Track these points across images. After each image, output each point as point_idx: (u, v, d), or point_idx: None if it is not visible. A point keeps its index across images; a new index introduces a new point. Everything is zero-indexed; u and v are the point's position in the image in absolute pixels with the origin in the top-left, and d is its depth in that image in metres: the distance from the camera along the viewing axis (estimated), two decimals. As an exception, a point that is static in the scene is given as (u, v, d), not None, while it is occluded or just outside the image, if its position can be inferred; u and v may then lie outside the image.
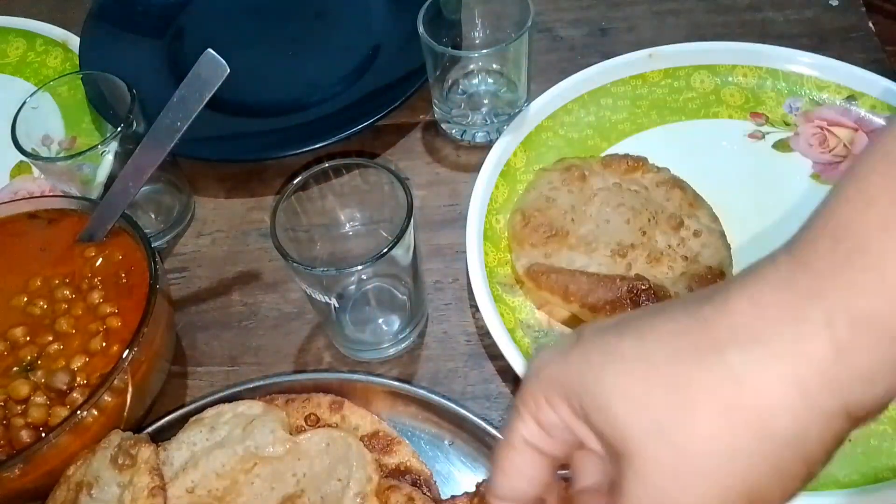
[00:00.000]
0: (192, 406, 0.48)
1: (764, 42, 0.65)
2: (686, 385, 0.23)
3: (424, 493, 0.44)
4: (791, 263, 0.23)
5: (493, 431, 0.45)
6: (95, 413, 0.44)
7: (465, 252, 0.54)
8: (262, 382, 0.49)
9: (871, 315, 0.21)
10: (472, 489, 0.43)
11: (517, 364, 0.48)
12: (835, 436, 0.22)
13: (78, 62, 0.71)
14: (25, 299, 0.50)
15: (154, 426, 0.48)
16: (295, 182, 0.47)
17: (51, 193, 0.63)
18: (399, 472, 0.45)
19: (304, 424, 0.47)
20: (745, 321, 0.23)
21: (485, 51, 0.60)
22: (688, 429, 0.22)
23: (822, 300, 0.22)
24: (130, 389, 0.46)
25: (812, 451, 0.22)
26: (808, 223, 0.24)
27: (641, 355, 0.24)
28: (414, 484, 0.44)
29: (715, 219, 0.55)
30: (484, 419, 0.46)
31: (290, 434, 0.45)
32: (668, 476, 0.23)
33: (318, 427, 0.46)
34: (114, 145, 0.55)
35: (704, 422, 0.22)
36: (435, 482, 0.45)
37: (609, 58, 0.65)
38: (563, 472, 0.30)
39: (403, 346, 0.53)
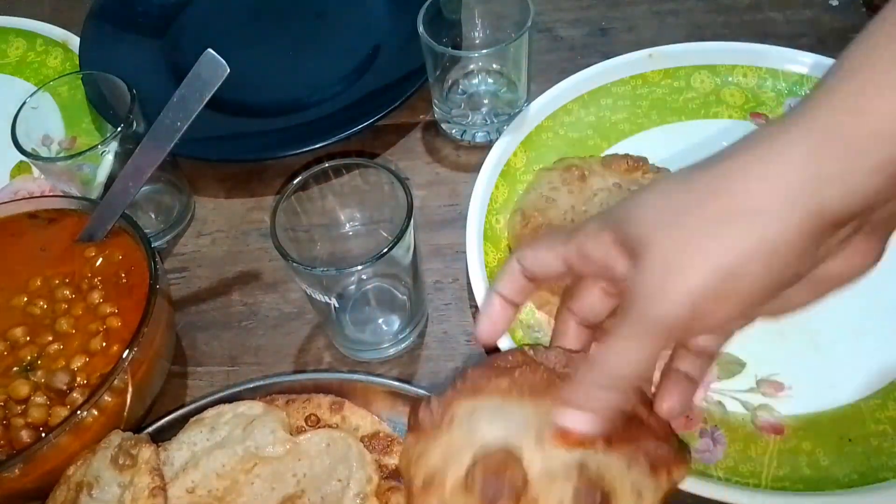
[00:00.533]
0: (192, 406, 0.48)
1: (764, 42, 0.65)
2: (698, 190, 0.27)
3: None
4: (777, 119, 0.27)
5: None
6: (95, 413, 0.44)
7: (465, 252, 0.54)
8: (262, 382, 0.49)
9: (842, 128, 0.25)
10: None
11: (517, 364, 0.48)
12: (813, 236, 0.26)
13: (78, 62, 0.71)
14: (25, 299, 0.50)
15: (154, 426, 0.48)
16: (295, 182, 0.47)
17: (51, 193, 0.63)
18: (399, 473, 0.45)
19: (304, 425, 0.47)
20: (737, 154, 0.27)
21: (485, 51, 0.60)
22: (698, 214, 0.27)
23: (802, 119, 0.26)
24: (130, 389, 0.46)
25: (791, 243, 0.26)
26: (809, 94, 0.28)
27: (660, 191, 0.29)
28: None
29: (715, 219, 0.55)
30: (484, 419, 0.46)
31: (291, 434, 0.45)
32: (675, 254, 0.27)
33: (319, 427, 0.46)
34: (114, 145, 0.55)
35: (710, 209, 0.27)
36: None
37: (609, 58, 0.65)
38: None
39: (403, 346, 0.54)
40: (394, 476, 0.45)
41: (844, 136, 0.25)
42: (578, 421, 0.30)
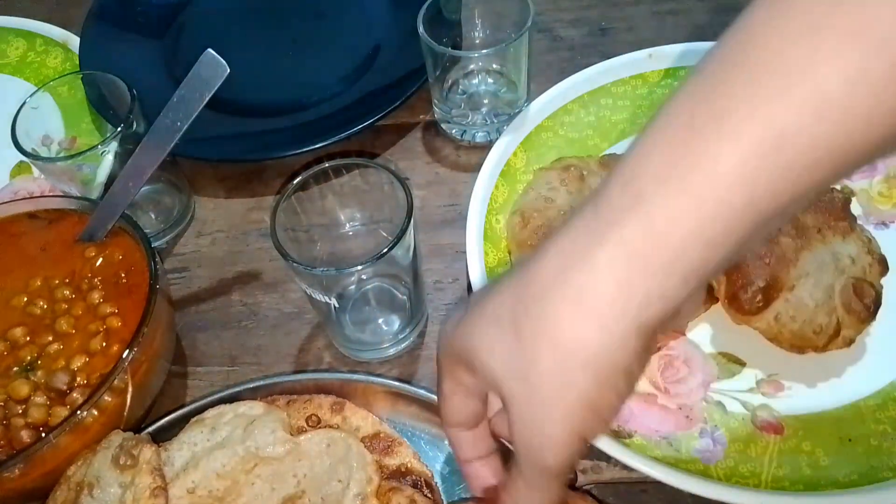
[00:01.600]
0: (192, 406, 0.48)
1: (764, 42, 0.65)
2: (525, 335, 0.28)
3: (426, 496, 0.44)
4: (591, 212, 0.27)
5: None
6: (95, 413, 0.44)
7: (465, 252, 0.54)
8: (262, 382, 0.49)
9: (642, 254, 0.25)
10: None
11: (517, 364, 0.48)
12: (635, 350, 0.27)
13: (78, 62, 0.71)
14: (25, 299, 0.50)
15: (154, 426, 0.48)
16: (295, 182, 0.47)
17: (51, 193, 0.63)
18: (400, 474, 0.45)
19: (305, 425, 0.47)
20: (552, 274, 0.27)
21: (485, 51, 0.60)
22: (535, 369, 0.28)
23: (604, 243, 0.26)
24: (130, 389, 0.46)
25: (621, 362, 0.27)
26: (610, 174, 0.28)
27: (494, 318, 0.29)
28: (415, 485, 0.44)
29: (715, 219, 0.55)
30: (484, 419, 0.46)
31: (291, 435, 0.45)
32: (532, 407, 0.28)
33: (320, 428, 0.46)
34: (114, 145, 0.55)
35: (543, 361, 0.27)
36: (436, 483, 0.45)
37: (609, 58, 0.65)
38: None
39: (403, 346, 0.54)
40: (394, 476, 0.45)
41: (643, 260, 0.25)
42: None
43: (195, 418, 0.47)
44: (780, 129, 0.23)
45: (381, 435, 0.46)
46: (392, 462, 0.45)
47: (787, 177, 0.24)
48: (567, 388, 0.27)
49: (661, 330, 0.28)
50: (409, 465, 0.45)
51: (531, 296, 0.28)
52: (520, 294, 0.28)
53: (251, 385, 0.48)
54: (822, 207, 0.52)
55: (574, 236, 0.27)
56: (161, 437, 0.47)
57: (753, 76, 0.24)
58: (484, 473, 0.36)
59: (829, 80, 0.22)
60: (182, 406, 0.49)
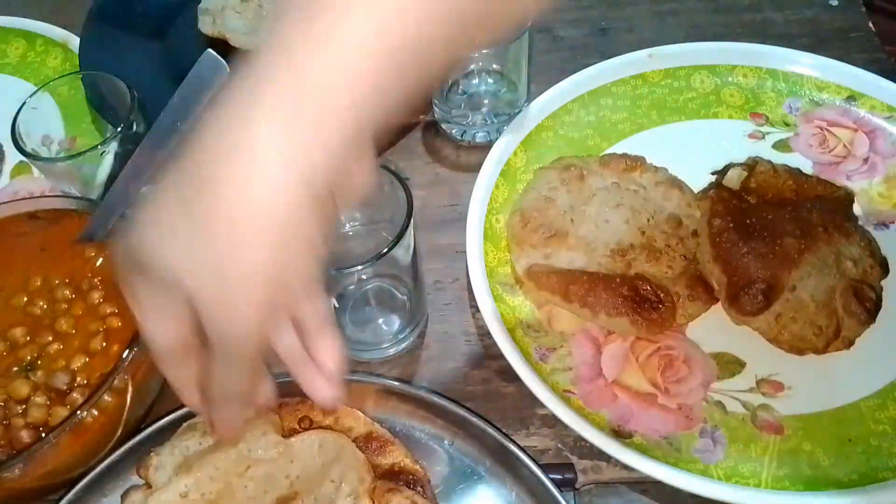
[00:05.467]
0: (192, 406, 0.48)
1: (764, 42, 0.65)
2: (197, 217, 0.27)
3: (424, 496, 0.44)
4: (245, 73, 0.27)
5: (493, 432, 0.45)
6: (95, 413, 0.44)
7: (465, 252, 0.54)
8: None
9: (295, 108, 0.26)
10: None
11: (517, 364, 0.48)
12: (307, 209, 0.27)
13: (78, 62, 0.71)
14: (25, 299, 0.50)
15: (154, 426, 0.48)
16: (295, 182, 0.47)
17: (51, 193, 0.63)
18: (393, 473, 0.45)
19: (297, 427, 0.46)
20: (213, 144, 0.27)
21: (485, 51, 0.60)
22: (212, 248, 0.27)
23: (259, 102, 0.26)
24: (130, 389, 0.46)
25: (295, 223, 0.27)
26: (260, 44, 0.28)
27: (163, 210, 0.29)
28: (408, 485, 0.44)
29: (715, 219, 0.55)
30: (484, 419, 0.46)
31: (283, 436, 0.45)
32: (215, 287, 0.28)
33: (312, 429, 0.46)
34: (114, 145, 0.55)
35: (219, 237, 0.27)
36: (430, 482, 0.45)
37: (609, 58, 0.65)
38: None
39: (403, 346, 0.53)
40: (388, 476, 0.45)
41: (307, 100, 0.26)
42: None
43: (187, 423, 0.47)
44: None
45: (374, 435, 0.46)
46: (385, 461, 0.45)
47: (412, 24, 0.26)
48: (245, 259, 0.27)
49: (335, 191, 0.28)
50: (401, 465, 0.45)
51: (199, 177, 0.27)
52: (186, 174, 0.28)
53: (251, 385, 0.48)
54: (828, 206, 0.52)
55: (233, 106, 0.27)
56: (161, 438, 0.47)
57: None
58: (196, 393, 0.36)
59: None
60: (182, 406, 0.49)
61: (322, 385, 0.34)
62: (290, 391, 0.48)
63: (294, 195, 0.27)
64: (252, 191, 0.27)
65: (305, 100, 0.26)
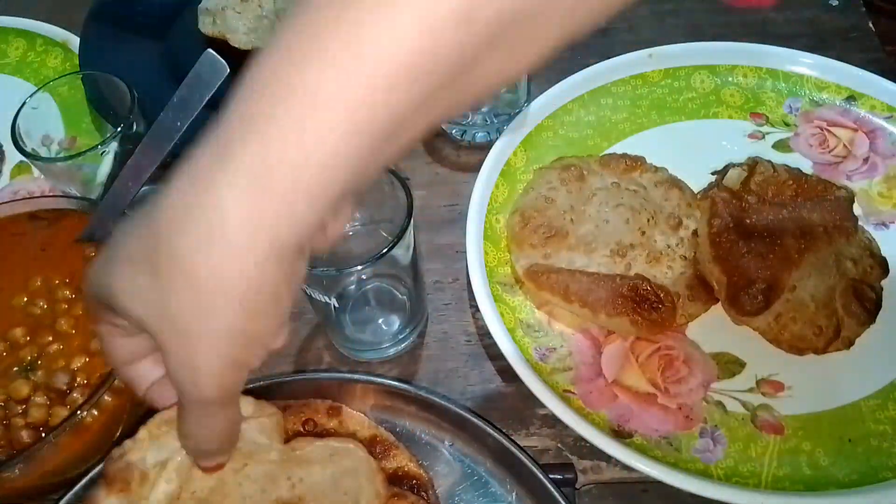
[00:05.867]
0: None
1: (764, 42, 0.65)
2: (161, 273, 0.27)
3: (429, 502, 0.43)
4: (211, 142, 0.27)
5: (493, 432, 0.45)
6: (95, 413, 0.44)
7: (465, 252, 0.54)
8: (261, 383, 0.49)
9: (261, 178, 0.25)
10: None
11: (517, 364, 0.48)
12: (277, 273, 0.27)
13: (78, 62, 0.71)
14: (25, 299, 0.50)
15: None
16: (295, 182, 0.47)
17: (51, 193, 0.63)
18: (397, 477, 0.45)
19: (301, 429, 0.46)
20: (179, 208, 0.27)
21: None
22: (176, 306, 0.27)
23: (225, 169, 0.26)
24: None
25: (265, 288, 0.27)
26: (228, 101, 0.27)
27: (128, 257, 0.29)
28: (412, 489, 0.44)
29: (715, 219, 0.55)
30: (484, 419, 0.46)
31: (288, 437, 0.44)
32: (179, 343, 0.28)
33: (316, 431, 0.46)
34: (114, 145, 0.55)
35: (183, 297, 0.27)
36: (432, 486, 0.45)
37: (609, 58, 0.65)
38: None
39: (403, 346, 0.53)
40: (392, 480, 0.44)
41: (274, 172, 0.25)
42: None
43: (159, 416, 0.45)
44: (367, 49, 0.24)
45: (378, 439, 0.46)
46: (389, 465, 0.45)
47: (383, 94, 0.25)
48: (210, 320, 0.27)
49: (308, 249, 0.28)
50: (406, 469, 0.45)
51: (161, 231, 0.27)
52: (151, 230, 0.28)
53: (250, 385, 0.48)
54: (829, 206, 0.52)
55: (199, 166, 0.27)
56: (161, 437, 0.47)
57: (341, 7, 0.25)
58: (167, 393, 0.35)
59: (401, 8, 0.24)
60: (182, 406, 0.49)
61: None
62: (296, 388, 0.48)
63: (258, 261, 0.26)
64: (214, 256, 0.26)
65: (275, 173, 0.25)
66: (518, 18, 0.25)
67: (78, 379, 0.47)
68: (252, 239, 0.26)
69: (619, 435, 0.46)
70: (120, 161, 0.55)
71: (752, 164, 0.56)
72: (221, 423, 0.33)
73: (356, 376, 0.49)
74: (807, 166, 0.59)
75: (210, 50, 0.47)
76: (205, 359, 0.28)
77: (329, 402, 0.47)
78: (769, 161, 0.56)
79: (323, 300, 0.47)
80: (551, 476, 0.44)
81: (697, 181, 0.58)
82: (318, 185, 0.26)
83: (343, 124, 0.25)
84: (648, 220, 0.54)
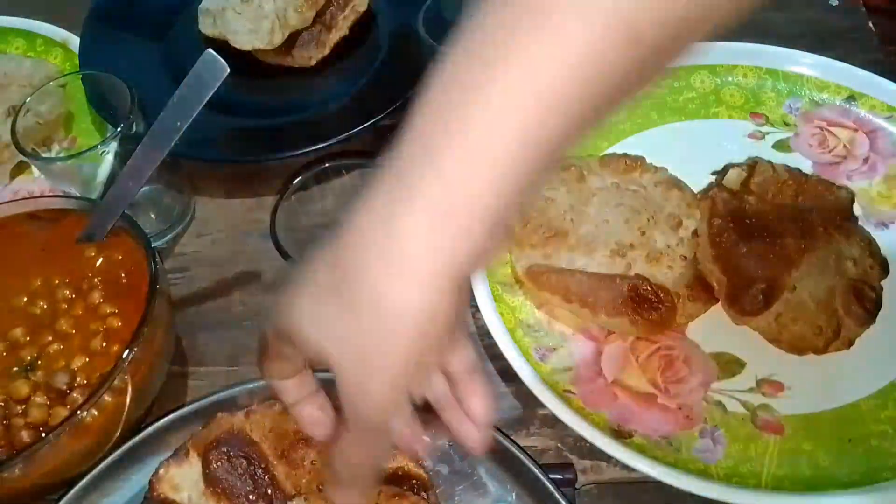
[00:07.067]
0: (193, 406, 0.48)
1: (764, 42, 0.65)
2: (347, 303, 0.29)
3: (430, 502, 0.43)
4: (390, 173, 0.28)
5: (493, 432, 0.45)
6: (95, 413, 0.44)
7: (465, 252, 0.54)
8: (262, 383, 0.49)
9: (443, 211, 0.27)
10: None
11: (517, 364, 0.48)
12: (452, 302, 0.28)
13: (78, 62, 0.71)
14: (25, 299, 0.50)
15: (154, 426, 0.48)
16: (295, 182, 0.47)
17: (51, 193, 0.63)
18: (398, 477, 0.45)
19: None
20: (363, 239, 0.28)
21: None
22: (359, 334, 0.29)
23: (407, 204, 0.27)
24: (130, 389, 0.46)
25: (442, 317, 0.28)
26: (403, 131, 0.29)
27: (314, 291, 0.30)
28: (413, 490, 0.44)
29: (715, 219, 0.55)
30: (484, 419, 0.46)
31: (292, 442, 0.45)
32: (358, 370, 0.29)
33: None
34: (114, 145, 0.55)
35: (367, 326, 0.28)
36: (433, 486, 0.45)
37: (609, 58, 0.65)
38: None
39: (403, 346, 0.53)
40: (393, 481, 0.44)
41: (454, 203, 0.27)
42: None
43: (190, 441, 0.46)
44: (537, 71, 0.26)
45: None
46: (389, 466, 0.45)
47: (552, 114, 0.26)
48: (392, 349, 0.28)
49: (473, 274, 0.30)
50: (406, 469, 0.45)
51: (349, 264, 0.29)
52: (337, 264, 0.29)
53: (251, 385, 0.48)
54: (829, 206, 0.52)
55: (379, 200, 0.29)
56: (161, 437, 0.47)
57: (511, 25, 0.26)
58: (312, 412, 0.37)
59: (568, 27, 0.25)
60: (182, 406, 0.49)
61: (470, 429, 0.36)
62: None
63: (438, 287, 0.28)
64: (398, 286, 0.28)
65: (453, 204, 0.27)
66: (680, 34, 0.26)
67: (78, 379, 0.47)
68: (433, 268, 0.27)
69: (619, 435, 0.46)
70: (120, 161, 0.55)
71: (752, 165, 0.56)
72: (377, 450, 0.34)
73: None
74: (807, 166, 0.59)
75: (210, 50, 0.47)
76: (378, 385, 0.29)
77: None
78: (769, 161, 0.56)
79: (323, 300, 0.47)
80: (551, 476, 0.44)
81: (697, 181, 0.58)
82: (493, 211, 0.27)
83: (516, 150, 0.26)
84: (648, 220, 0.54)
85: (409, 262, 0.27)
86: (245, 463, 0.45)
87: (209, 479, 0.44)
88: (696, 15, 0.27)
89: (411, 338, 0.28)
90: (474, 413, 0.35)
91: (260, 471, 0.45)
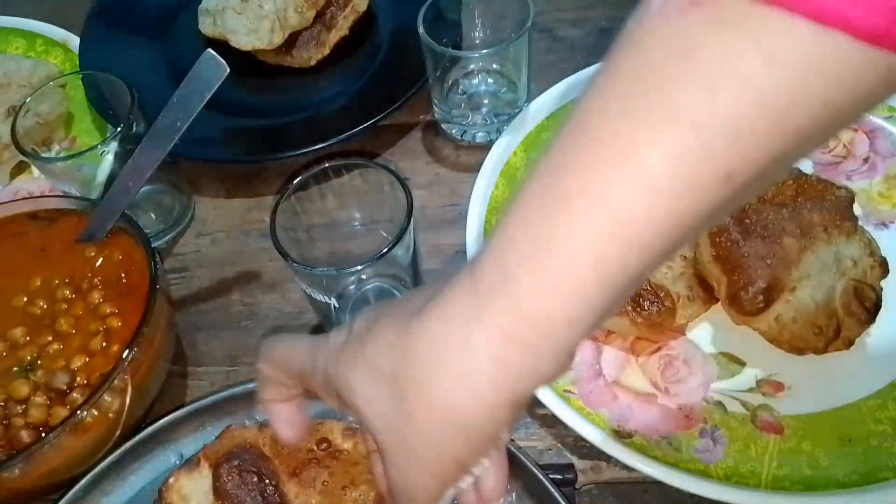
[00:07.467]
0: (193, 406, 0.48)
1: (764, 42, 0.65)
2: (403, 395, 0.29)
3: None
4: (468, 285, 0.29)
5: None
6: (95, 413, 0.44)
7: (465, 252, 0.54)
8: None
9: (515, 335, 0.27)
10: None
11: (517, 364, 0.48)
12: (505, 419, 0.29)
13: (78, 62, 0.71)
14: (25, 299, 0.50)
15: (154, 426, 0.48)
16: (295, 182, 0.47)
17: (51, 193, 0.63)
18: None
19: (315, 448, 0.46)
20: (433, 342, 0.29)
21: (485, 51, 0.60)
22: (410, 427, 0.29)
23: (481, 323, 0.28)
24: (130, 389, 0.46)
25: (492, 430, 0.29)
26: (484, 244, 0.29)
27: (375, 367, 0.31)
28: None
29: (715, 219, 0.55)
30: (484, 419, 0.46)
31: (304, 459, 0.45)
32: (406, 459, 0.30)
33: (330, 451, 0.46)
34: (114, 145, 0.55)
35: (419, 422, 0.29)
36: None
37: (609, 58, 0.65)
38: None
39: (403, 346, 0.53)
40: None
41: (518, 341, 0.27)
42: None
43: (202, 452, 0.46)
44: (618, 208, 0.25)
45: None
46: None
47: (632, 251, 0.26)
48: (440, 448, 0.29)
49: (524, 406, 0.30)
50: None
51: (416, 358, 0.29)
52: (402, 352, 0.30)
53: (251, 385, 0.48)
54: (829, 206, 0.52)
55: (454, 310, 0.29)
56: (161, 437, 0.47)
57: (592, 158, 0.26)
58: (288, 409, 0.37)
59: (651, 162, 0.25)
60: (182, 406, 0.49)
61: None
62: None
63: (497, 412, 0.28)
64: (457, 395, 0.28)
65: (525, 328, 0.27)
66: (773, 167, 0.25)
67: (78, 379, 0.47)
68: (496, 387, 0.28)
69: (619, 435, 0.46)
70: (120, 161, 0.55)
71: (752, 164, 0.55)
72: None
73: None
74: (807, 166, 0.59)
75: (210, 50, 0.47)
76: (420, 477, 0.30)
77: (345, 423, 0.47)
78: (769, 161, 0.56)
79: (323, 300, 0.47)
80: (551, 476, 0.44)
81: (697, 181, 0.58)
82: (564, 340, 0.28)
83: (591, 284, 0.26)
84: (648, 220, 0.54)
85: (474, 377, 0.28)
86: (255, 479, 0.45)
87: (219, 492, 0.44)
88: (793, 152, 0.25)
89: (458, 443, 0.29)
90: (485, 490, 0.35)
91: (271, 488, 0.45)
